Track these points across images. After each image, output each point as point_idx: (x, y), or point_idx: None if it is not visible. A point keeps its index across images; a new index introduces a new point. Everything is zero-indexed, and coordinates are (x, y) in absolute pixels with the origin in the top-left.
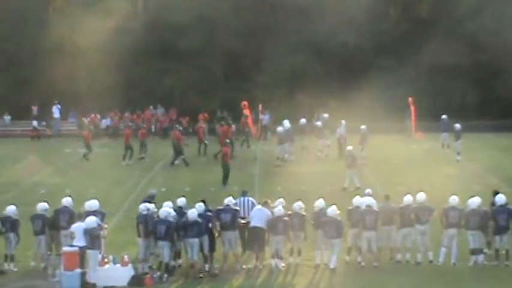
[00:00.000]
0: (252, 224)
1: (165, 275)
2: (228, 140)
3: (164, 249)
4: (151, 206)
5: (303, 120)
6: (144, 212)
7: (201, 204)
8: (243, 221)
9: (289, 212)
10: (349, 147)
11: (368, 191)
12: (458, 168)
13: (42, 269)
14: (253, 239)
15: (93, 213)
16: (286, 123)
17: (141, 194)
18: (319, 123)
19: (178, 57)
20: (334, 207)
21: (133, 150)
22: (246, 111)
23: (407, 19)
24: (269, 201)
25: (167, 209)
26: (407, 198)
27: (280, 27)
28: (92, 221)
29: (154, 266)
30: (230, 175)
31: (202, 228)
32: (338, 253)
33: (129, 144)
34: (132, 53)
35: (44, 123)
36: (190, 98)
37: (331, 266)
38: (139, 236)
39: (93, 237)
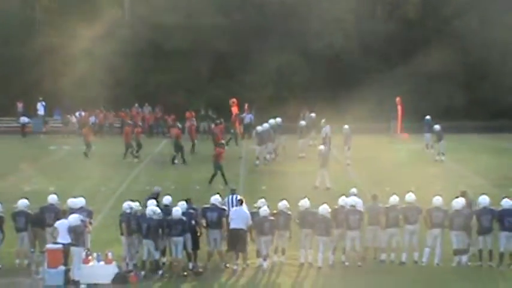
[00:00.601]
0: (232, 226)
1: (160, 272)
2: (222, 141)
3: (149, 247)
4: (135, 204)
5: (279, 120)
6: (128, 211)
7: (183, 202)
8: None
9: (275, 212)
10: (321, 147)
11: (353, 190)
12: (443, 168)
13: (26, 266)
14: (234, 240)
15: (79, 210)
16: (267, 123)
17: (126, 191)
18: (302, 122)
19: (164, 56)
20: (325, 205)
21: (133, 148)
22: (234, 109)
23: (394, 20)
24: (243, 199)
25: (153, 207)
26: (393, 199)
27: (266, 28)
28: (75, 218)
29: (138, 264)
30: (217, 174)
31: (186, 226)
32: (332, 250)
33: (130, 143)
34: (119, 51)
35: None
36: (176, 96)
37: (330, 262)
38: (122, 234)
39: (77, 234)
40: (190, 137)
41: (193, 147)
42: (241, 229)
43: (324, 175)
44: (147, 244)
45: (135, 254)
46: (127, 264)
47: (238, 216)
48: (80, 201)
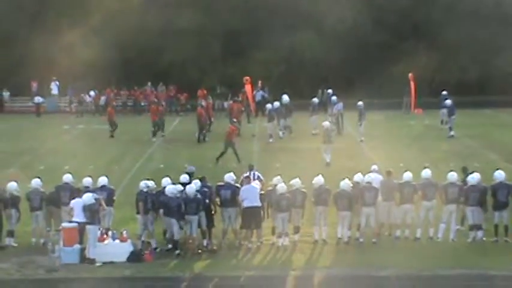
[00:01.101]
0: (246, 204)
1: (177, 252)
2: (234, 120)
3: (173, 227)
4: (151, 182)
5: (286, 98)
6: (145, 189)
7: (197, 181)
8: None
9: (290, 189)
10: (325, 123)
11: (374, 167)
12: (457, 144)
13: (42, 244)
14: (249, 218)
15: (101, 189)
16: (278, 102)
17: (139, 170)
18: (315, 99)
19: (176, 34)
20: (347, 180)
21: (160, 126)
22: (247, 87)
23: None
24: (250, 176)
25: (176, 187)
26: (407, 175)
27: (278, 4)
28: (89, 197)
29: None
30: (229, 152)
31: (201, 204)
32: (348, 226)
33: (156, 121)
34: (130, 29)
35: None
36: (188, 74)
37: (345, 239)
38: (138, 213)
39: (92, 212)
40: (207, 115)
41: (209, 126)
42: (256, 207)
43: (327, 150)
44: (173, 223)
45: (152, 232)
46: (142, 242)
47: (251, 194)
48: (102, 180)
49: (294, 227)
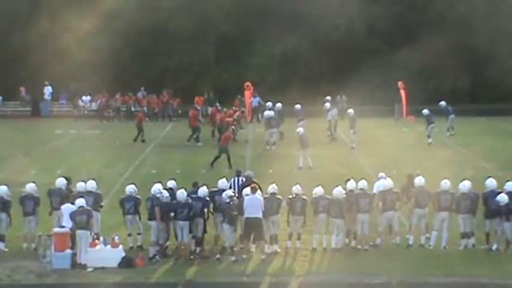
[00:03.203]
0: (247, 214)
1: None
2: (233, 126)
3: (184, 230)
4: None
5: (279, 105)
6: (158, 195)
7: (204, 187)
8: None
9: (290, 196)
10: (300, 129)
11: (382, 174)
12: (450, 152)
13: (33, 249)
14: (250, 229)
15: (88, 194)
16: (275, 107)
17: (132, 175)
18: (298, 106)
19: (169, 39)
20: (340, 188)
21: (200, 132)
22: (247, 93)
23: (399, 2)
24: (256, 186)
25: (228, 192)
26: (388, 182)
27: (272, 10)
28: (81, 202)
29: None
30: (222, 157)
31: (197, 210)
32: (343, 234)
33: (196, 126)
34: (123, 34)
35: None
36: (181, 80)
37: (338, 246)
38: (150, 219)
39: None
40: (211, 122)
41: (213, 132)
42: (258, 217)
43: (305, 155)
44: (184, 226)
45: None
46: (157, 250)
47: (253, 205)
48: (89, 184)
49: (290, 234)
